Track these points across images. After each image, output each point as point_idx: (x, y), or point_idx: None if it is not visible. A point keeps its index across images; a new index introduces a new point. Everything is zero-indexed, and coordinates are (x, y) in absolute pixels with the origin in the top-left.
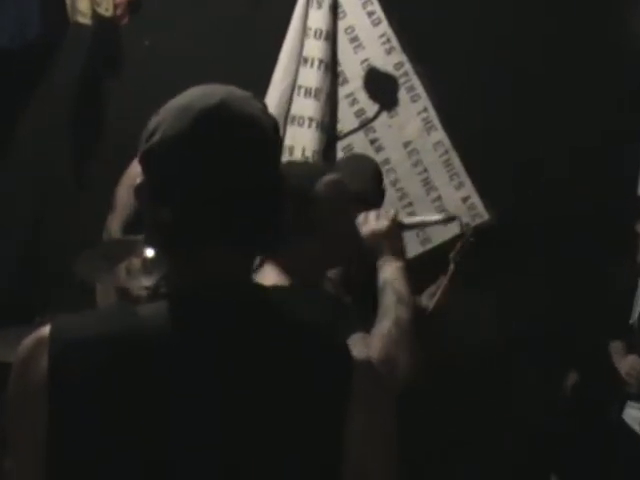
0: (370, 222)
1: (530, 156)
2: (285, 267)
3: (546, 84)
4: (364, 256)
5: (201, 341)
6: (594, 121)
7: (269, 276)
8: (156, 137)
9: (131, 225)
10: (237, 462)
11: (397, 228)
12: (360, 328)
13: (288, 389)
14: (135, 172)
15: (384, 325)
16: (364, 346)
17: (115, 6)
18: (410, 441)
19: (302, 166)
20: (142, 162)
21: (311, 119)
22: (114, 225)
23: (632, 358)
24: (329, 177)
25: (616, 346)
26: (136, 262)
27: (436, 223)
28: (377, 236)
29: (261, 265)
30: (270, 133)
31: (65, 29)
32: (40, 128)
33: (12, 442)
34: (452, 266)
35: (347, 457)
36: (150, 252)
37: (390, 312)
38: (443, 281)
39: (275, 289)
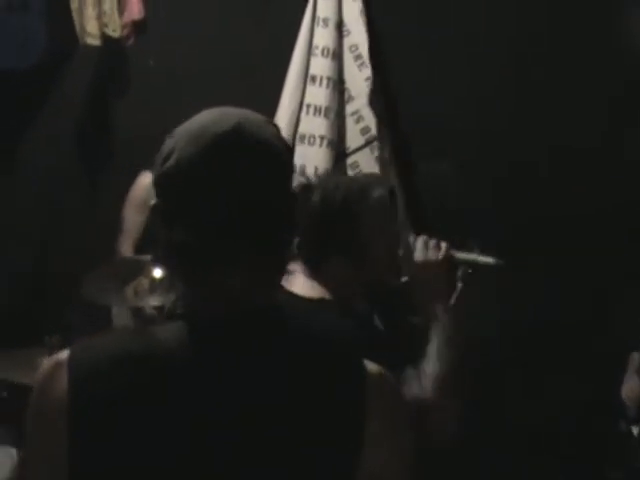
0: (418, 250)
1: (528, 156)
2: (320, 280)
3: (546, 86)
4: (409, 282)
5: (217, 361)
6: (594, 120)
7: (302, 287)
8: (171, 161)
9: (142, 247)
10: (253, 476)
11: (449, 262)
12: (384, 350)
13: (304, 406)
14: (139, 192)
15: (438, 368)
16: (418, 387)
17: (122, 27)
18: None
19: (347, 182)
20: (157, 185)
21: (322, 137)
22: (125, 247)
23: (635, 380)
24: (377, 194)
25: (635, 359)
26: (144, 282)
27: (487, 265)
28: (428, 268)
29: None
30: (283, 158)
31: (72, 49)
32: (48, 146)
33: (30, 466)
34: (461, 285)
35: (363, 471)
36: (158, 272)
37: (442, 353)
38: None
39: (295, 303)
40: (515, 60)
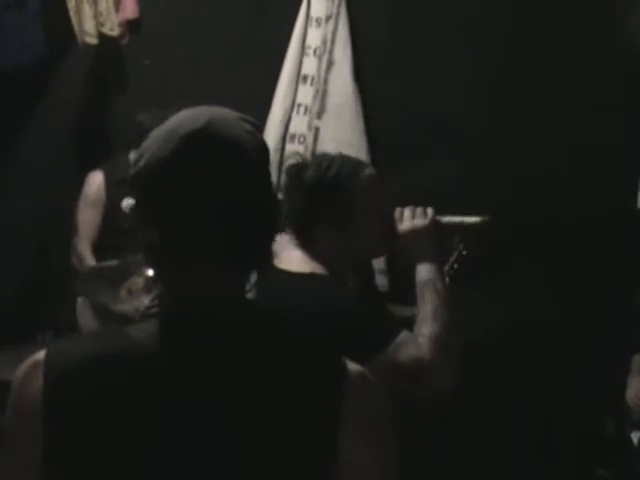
0: (406, 219)
1: (530, 159)
2: (314, 255)
3: (545, 88)
4: (399, 252)
5: (193, 360)
6: (595, 122)
7: (297, 262)
8: (142, 162)
9: (100, 246)
10: (235, 475)
11: (435, 227)
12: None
13: (281, 404)
14: (91, 191)
15: (433, 329)
16: (416, 348)
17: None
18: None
19: (341, 160)
20: (130, 186)
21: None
22: (83, 247)
23: (638, 383)
24: (368, 172)
25: (637, 361)
26: (139, 281)
27: (474, 225)
28: (416, 233)
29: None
30: (255, 154)
31: (67, 48)
32: (45, 144)
33: (6, 465)
34: (448, 282)
35: (343, 471)
36: (151, 271)
37: (437, 315)
38: None
39: (285, 279)
40: (514, 61)
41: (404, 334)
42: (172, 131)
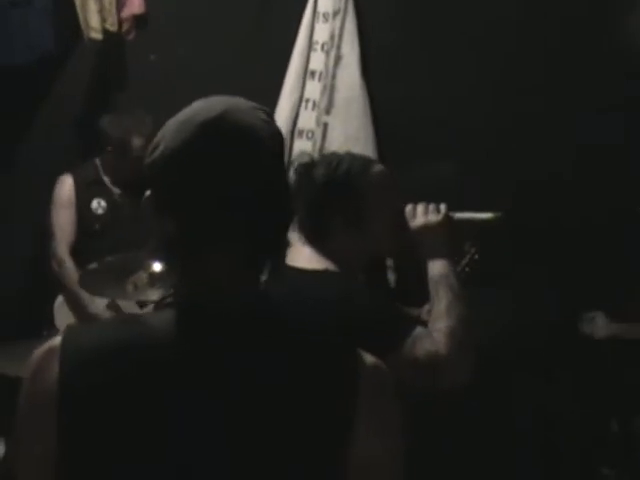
0: (419, 215)
1: (534, 158)
2: (325, 252)
3: (547, 89)
4: (412, 249)
5: (207, 351)
6: (595, 122)
7: (307, 259)
8: (158, 150)
9: (79, 248)
10: (243, 470)
11: (448, 223)
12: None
13: (293, 397)
14: (64, 192)
15: (448, 323)
16: (431, 343)
17: (122, 21)
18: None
19: (350, 158)
20: (147, 175)
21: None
22: (60, 251)
23: None
24: (378, 168)
25: None
26: (144, 276)
27: (486, 221)
28: (429, 230)
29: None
30: (270, 142)
31: (73, 44)
32: (50, 140)
33: (20, 452)
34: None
35: (352, 463)
36: (157, 266)
37: (451, 310)
38: None
39: (298, 276)
40: (518, 56)
41: (419, 329)
42: (187, 120)
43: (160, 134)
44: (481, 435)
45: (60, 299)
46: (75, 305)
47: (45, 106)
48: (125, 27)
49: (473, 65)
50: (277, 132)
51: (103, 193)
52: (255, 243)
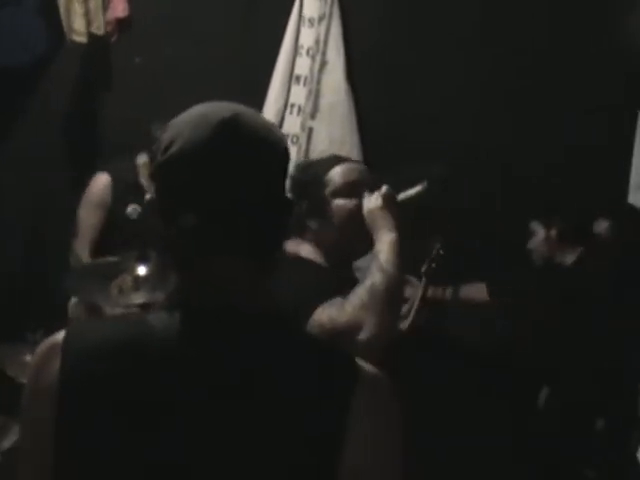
0: (364, 204)
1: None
2: (317, 247)
3: (546, 88)
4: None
5: (207, 351)
6: (595, 122)
7: (307, 251)
8: (173, 149)
9: (99, 247)
10: (241, 470)
11: (390, 204)
12: None
13: (291, 401)
14: (96, 192)
15: (357, 291)
16: (338, 310)
17: (105, 25)
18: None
19: (320, 159)
20: (156, 175)
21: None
22: (80, 248)
23: None
24: (342, 165)
25: None
26: (128, 280)
27: (420, 194)
28: (373, 213)
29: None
30: (280, 145)
31: (60, 46)
32: (35, 141)
33: (22, 445)
34: (424, 280)
35: (347, 468)
36: (142, 270)
37: (367, 280)
38: (415, 299)
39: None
40: (513, 60)
41: (335, 299)
42: (203, 119)
43: (169, 134)
44: (464, 434)
45: (74, 300)
46: (89, 306)
47: (28, 108)
48: (109, 29)
49: (461, 66)
50: (283, 135)
51: (140, 198)
52: (260, 244)
